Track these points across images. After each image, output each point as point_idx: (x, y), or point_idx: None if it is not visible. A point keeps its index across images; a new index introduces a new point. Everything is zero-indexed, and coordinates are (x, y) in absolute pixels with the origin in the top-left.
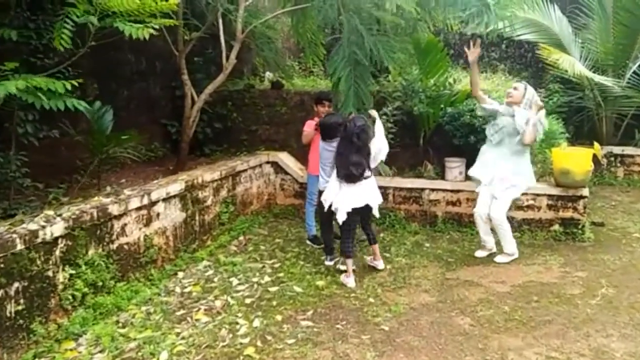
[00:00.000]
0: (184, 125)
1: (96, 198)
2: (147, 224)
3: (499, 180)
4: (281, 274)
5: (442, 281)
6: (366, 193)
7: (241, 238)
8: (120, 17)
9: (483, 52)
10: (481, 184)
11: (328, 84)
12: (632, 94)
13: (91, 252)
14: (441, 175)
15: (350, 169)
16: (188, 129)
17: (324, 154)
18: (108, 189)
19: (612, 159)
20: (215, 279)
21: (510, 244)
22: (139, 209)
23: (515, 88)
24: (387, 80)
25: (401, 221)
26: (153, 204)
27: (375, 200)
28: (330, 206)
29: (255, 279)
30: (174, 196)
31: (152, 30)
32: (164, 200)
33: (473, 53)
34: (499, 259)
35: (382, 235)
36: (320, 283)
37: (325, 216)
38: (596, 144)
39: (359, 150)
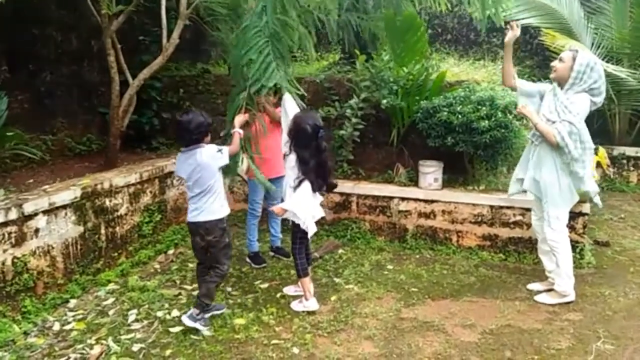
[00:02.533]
0: (111, 116)
1: None
2: (17, 243)
3: (544, 190)
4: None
5: (395, 322)
6: (319, 199)
7: (170, 252)
8: None
9: (483, 38)
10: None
11: (308, 69)
12: None
13: None
14: (416, 181)
15: (330, 179)
16: (117, 120)
17: (291, 169)
18: (1, 191)
19: (625, 161)
20: (111, 312)
21: (563, 279)
22: (2, 225)
23: (560, 59)
24: (354, 67)
25: (365, 234)
26: (27, 218)
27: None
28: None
29: (160, 313)
30: (64, 206)
31: None
32: (46, 212)
33: (510, 34)
34: (540, 298)
35: (340, 251)
36: (238, 322)
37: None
38: (601, 150)
39: (327, 156)
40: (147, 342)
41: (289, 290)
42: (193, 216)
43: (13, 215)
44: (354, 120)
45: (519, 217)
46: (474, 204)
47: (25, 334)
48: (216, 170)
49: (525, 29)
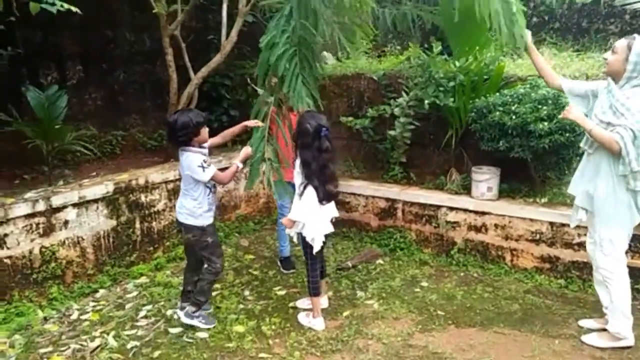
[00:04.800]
0: (169, 113)
1: None
2: (46, 234)
3: (597, 206)
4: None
5: (400, 349)
6: (332, 207)
7: None
8: None
9: (598, 25)
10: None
11: (381, 65)
12: None
13: None
14: (469, 189)
15: (330, 187)
16: None
17: (298, 175)
18: (61, 182)
19: None
20: (128, 305)
21: (617, 317)
22: (29, 216)
23: (613, 50)
24: (408, 59)
25: (410, 245)
26: (55, 210)
27: (335, 213)
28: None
29: (170, 312)
30: (95, 200)
31: None
32: (76, 205)
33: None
34: (588, 339)
35: (378, 262)
36: (238, 329)
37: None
38: None
39: (332, 159)
40: (144, 340)
41: (302, 303)
42: (177, 212)
43: (40, 207)
44: (402, 119)
45: (584, 238)
46: (531, 219)
47: (45, 319)
48: (194, 180)
49: None
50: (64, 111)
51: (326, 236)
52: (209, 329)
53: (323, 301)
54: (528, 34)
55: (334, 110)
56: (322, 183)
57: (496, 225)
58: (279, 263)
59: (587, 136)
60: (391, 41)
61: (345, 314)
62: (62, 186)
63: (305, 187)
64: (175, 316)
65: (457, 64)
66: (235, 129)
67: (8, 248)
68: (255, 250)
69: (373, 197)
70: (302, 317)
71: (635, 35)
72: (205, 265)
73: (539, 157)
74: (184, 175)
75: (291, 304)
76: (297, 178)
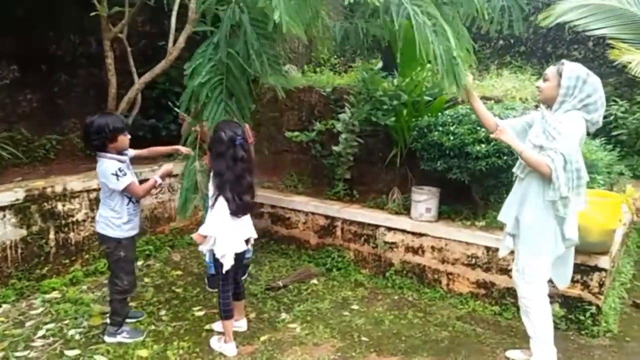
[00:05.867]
0: None
1: None
2: None
3: (523, 232)
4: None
5: None
6: (247, 228)
7: (139, 263)
8: None
9: (562, 51)
10: (506, 233)
11: (340, 80)
12: None
13: None
14: (409, 209)
15: (246, 198)
16: None
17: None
18: None
19: None
20: (28, 323)
21: (539, 348)
22: None
23: (544, 77)
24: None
25: (348, 265)
26: None
27: (253, 234)
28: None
29: (72, 332)
30: (1, 208)
31: None
32: None
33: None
34: None
35: (312, 281)
36: (140, 353)
37: (225, 269)
38: (630, 189)
39: (249, 169)
40: None
41: (218, 326)
42: (96, 221)
43: None
44: (344, 135)
45: None
46: (467, 243)
47: None
48: (109, 189)
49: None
50: None
51: (239, 255)
52: (115, 349)
53: (241, 324)
54: (469, 78)
55: (285, 123)
56: (236, 194)
57: (433, 248)
58: (205, 280)
59: (520, 161)
60: (360, 56)
61: (262, 338)
62: None
63: (216, 199)
64: (77, 336)
65: (395, 82)
66: (166, 149)
67: None
68: (185, 265)
69: (313, 213)
70: (214, 342)
71: (564, 60)
72: (113, 283)
73: (477, 179)
74: (100, 182)
75: (207, 326)
76: (210, 189)
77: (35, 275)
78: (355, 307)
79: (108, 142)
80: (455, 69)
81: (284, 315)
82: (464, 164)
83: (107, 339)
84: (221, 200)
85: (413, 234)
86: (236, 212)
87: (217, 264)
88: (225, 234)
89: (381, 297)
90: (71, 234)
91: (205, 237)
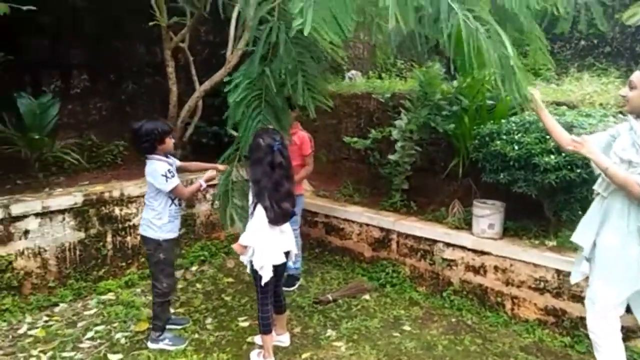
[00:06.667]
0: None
1: None
2: (2, 242)
3: (599, 257)
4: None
5: None
6: (288, 240)
7: (194, 268)
8: None
9: None
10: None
11: (402, 85)
12: None
13: None
14: (471, 224)
15: (285, 205)
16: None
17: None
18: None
19: None
20: (80, 324)
21: None
22: None
23: (630, 84)
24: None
25: (403, 281)
26: (14, 219)
27: (293, 248)
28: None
29: (119, 335)
30: (61, 211)
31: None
32: (39, 215)
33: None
34: None
35: (364, 297)
36: None
37: (263, 282)
38: None
39: (287, 176)
40: None
41: (259, 339)
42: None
43: None
44: (400, 143)
45: None
46: (535, 264)
47: None
48: (155, 189)
49: None
50: (54, 120)
51: (279, 267)
52: (156, 357)
53: (283, 338)
54: (536, 93)
55: (343, 130)
56: (275, 201)
57: (496, 268)
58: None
59: (602, 177)
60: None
61: (304, 355)
62: (28, 194)
63: (255, 207)
64: (123, 340)
65: (455, 84)
66: (206, 165)
67: None
68: (237, 273)
69: (368, 225)
70: (254, 356)
71: None
72: (153, 285)
73: (546, 194)
74: (148, 184)
75: (249, 338)
76: (249, 198)
77: (92, 277)
78: (407, 327)
79: (157, 144)
80: (514, 78)
81: (329, 331)
82: (531, 177)
83: (150, 345)
84: (259, 209)
85: (474, 251)
86: (275, 220)
87: (257, 275)
88: (264, 244)
89: (437, 319)
90: (128, 238)
91: (245, 247)
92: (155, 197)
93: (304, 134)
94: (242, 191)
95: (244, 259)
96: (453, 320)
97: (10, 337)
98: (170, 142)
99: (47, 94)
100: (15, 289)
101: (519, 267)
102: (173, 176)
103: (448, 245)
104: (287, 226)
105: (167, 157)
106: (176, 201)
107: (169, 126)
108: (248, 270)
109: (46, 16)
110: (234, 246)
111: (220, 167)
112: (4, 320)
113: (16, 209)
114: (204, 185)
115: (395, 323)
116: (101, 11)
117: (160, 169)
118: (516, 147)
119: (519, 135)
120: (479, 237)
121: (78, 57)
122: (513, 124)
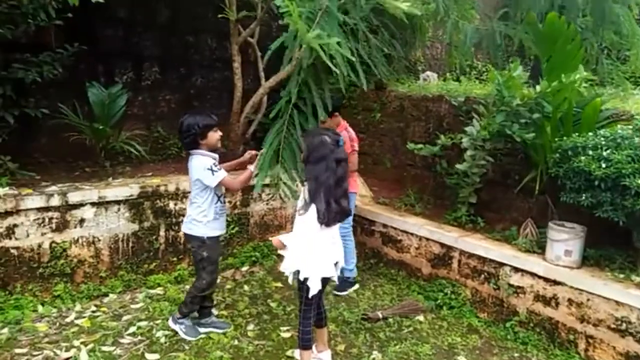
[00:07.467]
0: (231, 122)
1: None
2: (58, 229)
3: None
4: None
5: None
6: (338, 251)
7: (245, 269)
8: None
9: None
10: None
11: (471, 88)
12: None
13: None
14: (544, 248)
15: (345, 202)
16: (235, 126)
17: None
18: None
19: None
20: (125, 317)
21: None
22: (43, 209)
23: None
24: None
25: (462, 305)
26: (70, 207)
27: (341, 260)
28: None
29: (159, 334)
30: (117, 202)
31: None
32: (95, 204)
33: None
34: None
35: (418, 318)
36: None
37: (311, 294)
38: None
39: (344, 176)
40: None
41: (298, 354)
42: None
43: (55, 202)
44: (470, 152)
45: None
46: (617, 302)
47: (41, 317)
48: (201, 184)
49: None
50: (121, 110)
51: (325, 280)
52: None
53: (324, 356)
54: None
55: (410, 135)
56: (334, 199)
57: (570, 301)
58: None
59: None
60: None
61: None
62: (87, 184)
63: (306, 208)
64: (162, 339)
65: (538, 89)
66: (239, 160)
67: (17, 239)
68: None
69: (427, 239)
70: None
71: None
72: (195, 279)
73: (636, 221)
74: (192, 180)
75: (289, 352)
76: (299, 201)
77: (143, 270)
78: (462, 358)
79: (199, 138)
80: None
81: (375, 353)
82: (619, 201)
83: (169, 322)
84: (312, 210)
85: (546, 280)
86: (328, 220)
87: (303, 286)
88: (314, 254)
89: (497, 351)
90: (180, 233)
91: (284, 245)
92: (201, 194)
93: (346, 133)
94: (292, 153)
95: (286, 269)
96: (516, 355)
97: (58, 324)
98: (214, 136)
99: (118, 84)
100: (67, 276)
101: (597, 302)
102: (219, 169)
103: (516, 270)
104: (337, 236)
105: (211, 151)
106: (222, 198)
107: (213, 119)
108: (290, 280)
109: (121, 7)
110: (273, 239)
111: (254, 152)
112: (55, 307)
113: (73, 197)
114: (255, 171)
115: (450, 351)
116: (174, 3)
117: (205, 163)
118: (603, 165)
119: (608, 151)
120: (553, 263)
121: (150, 49)
122: (602, 138)
